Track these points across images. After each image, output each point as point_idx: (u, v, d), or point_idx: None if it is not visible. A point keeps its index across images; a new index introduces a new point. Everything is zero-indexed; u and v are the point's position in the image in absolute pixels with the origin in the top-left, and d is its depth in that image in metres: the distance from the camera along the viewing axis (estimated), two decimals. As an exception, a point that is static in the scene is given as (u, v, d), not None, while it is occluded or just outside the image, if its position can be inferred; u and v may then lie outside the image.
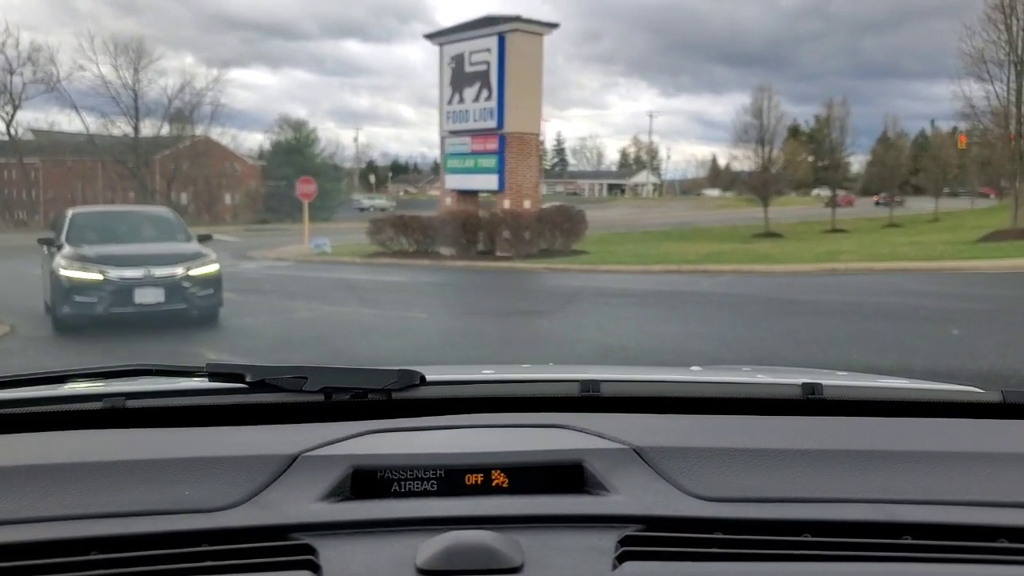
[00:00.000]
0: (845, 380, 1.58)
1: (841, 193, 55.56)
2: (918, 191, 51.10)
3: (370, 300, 13.62)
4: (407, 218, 24.35)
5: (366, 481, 1.01)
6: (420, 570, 0.83)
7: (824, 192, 48.96)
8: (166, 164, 51.74)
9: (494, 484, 1.02)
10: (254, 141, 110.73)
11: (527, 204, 22.96)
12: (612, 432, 1.11)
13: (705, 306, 12.25)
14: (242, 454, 1.05)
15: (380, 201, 66.12)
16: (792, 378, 1.44)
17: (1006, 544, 0.90)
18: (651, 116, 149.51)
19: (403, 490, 1.01)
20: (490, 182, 23.09)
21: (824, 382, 1.33)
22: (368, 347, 8.47)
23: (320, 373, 1.23)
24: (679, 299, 13.26)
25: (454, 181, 24.27)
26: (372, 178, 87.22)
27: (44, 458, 1.06)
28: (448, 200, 24.52)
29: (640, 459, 1.05)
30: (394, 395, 1.25)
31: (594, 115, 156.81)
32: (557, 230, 22.66)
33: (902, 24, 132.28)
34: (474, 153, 23.43)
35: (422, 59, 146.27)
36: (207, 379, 1.27)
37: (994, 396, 1.30)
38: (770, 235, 30.91)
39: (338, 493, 0.98)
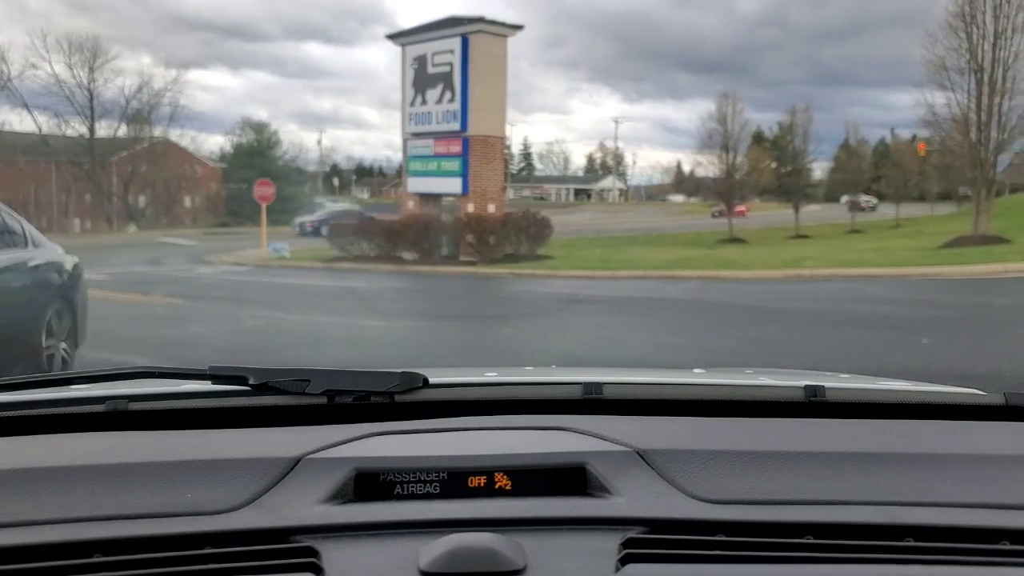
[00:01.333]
0: (847, 382, 1.56)
1: (721, 205, 56.47)
2: (880, 197, 51.88)
3: (326, 307, 13.10)
4: (368, 222, 23.83)
5: (369, 483, 1.01)
6: (423, 572, 0.83)
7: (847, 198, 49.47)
8: (123, 166, 50.53)
9: (497, 486, 1.01)
10: (215, 143, 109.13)
11: (491, 208, 22.57)
12: (614, 434, 1.11)
13: (672, 313, 11.94)
14: (245, 456, 1.05)
15: (344, 205, 65.37)
16: (794, 380, 1.43)
17: (1008, 546, 0.90)
18: (616, 122, 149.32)
19: (406, 492, 1.01)
20: (453, 185, 22.66)
21: (826, 384, 1.32)
22: (317, 359, 7.99)
23: (323, 375, 1.22)
24: (646, 306, 12.94)
25: (417, 184, 23.80)
26: (336, 181, 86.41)
27: (47, 461, 1.06)
28: (411, 204, 24.03)
29: (643, 461, 1.05)
30: (397, 398, 1.24)
31: (559, 120, 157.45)
32: (522, 235, 22.29)
33: (860, 33, 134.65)
34: (437, 156, 22.99)
35: (385, 62, 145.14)
36: (210, 382, 1.25)
37: (996, 398, 1.29)
38: (735, 241, 30.96)
39: (341, 496, 0.98)
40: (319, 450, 1.06)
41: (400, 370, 1.25)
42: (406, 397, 1.25)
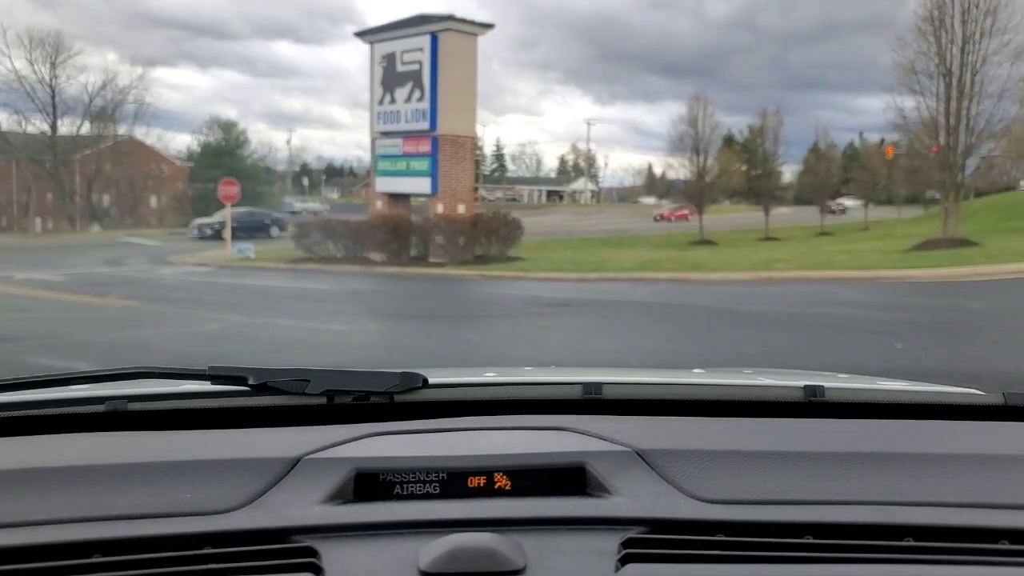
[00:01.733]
0: (846, 383, 1.55)
1: (672, 206, 56.72)
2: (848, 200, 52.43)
3: (287, 310, 12.70)
4: (334, 222, 23.42)
5: (368, 484, 1.01)
6: (423, 572, 0.83)
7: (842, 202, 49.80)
8: (86, 164, 49.43)
9: (496, 486, 1.01)
10: (183, 142, 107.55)
11: (461, 209, 22.24)
12: (614, 434, 1.11)
13: (642, 317, 11.69)
14: (244, 457, 1.04)
15: (313, 205, 64.83)
16: (794, 380, 1.43)
17: (1007, 546, 0.90)
18: (589, 124, 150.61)
19: (405, 493, 1.01)
20: (422, 185, 22.30)
21: (826, 384, 1.32)
22: (272, 366, 7.60)
23: (322, 376, 1.22)
24: (616, 309, 12.71)
25: (385, 184, 23.41)
26: (305, 181, 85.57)
27: (46, 461, 1.05)
28: (379, 204, 23.64)
29: (642, 461, 1.05)
30: (396, 398, 1.24)
31: (531, 121, 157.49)
32: (493, 236, 21.99)
33: (827, 38, 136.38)
34: (406, 155, 22.62)
35: (356, 61, 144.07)
36: (209, 382, 1.24)
37: (995, 398, 1.29)
38: (705, 243, 31.05)
39: (340, 496, 0.98)
40: (319, 450, 1.06)
41: (400, 370, 1.24)
42: (406, 397, 1.24)
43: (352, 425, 1.15)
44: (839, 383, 1.49)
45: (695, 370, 1.80)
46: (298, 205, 62.22)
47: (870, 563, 0.87)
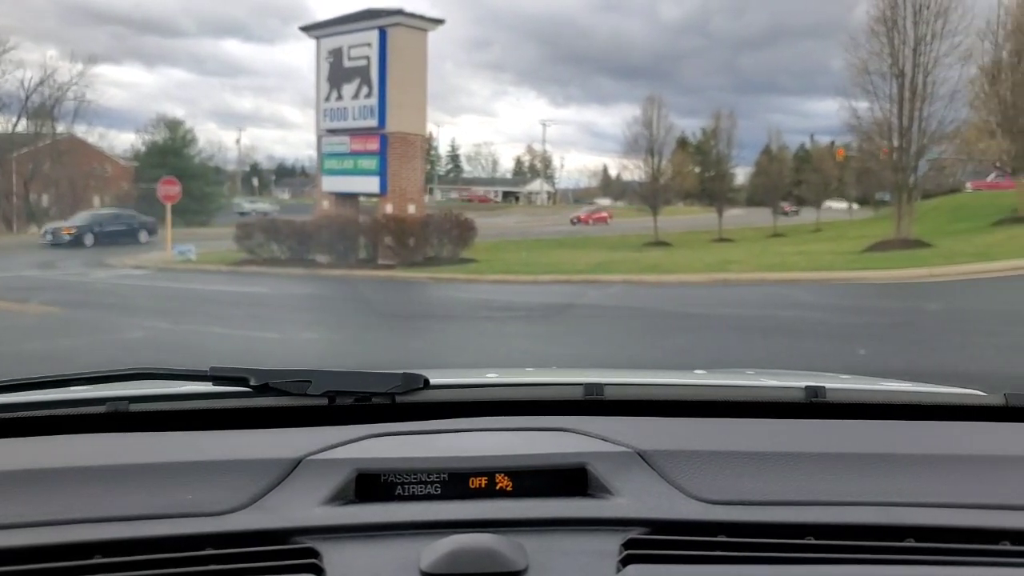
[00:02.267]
0: (848, 383, 1.55)
1: (589, 208, 56.24)
2: (800, 202, 53.00)
3: (221, 316, 11.98)
4: (279, 222, 22.60)
5: (370, 485, 1.01)
6: (424, 573, 0.83)
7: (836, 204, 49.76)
8: (23, 163, 47.54)
9: (498, 487, 1.02)
10: (128, 141, 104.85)
11: (412, 209, 21.62)
12: (616, 435, 1.11)
13: (594, 322, 11.19)
14: (246, 458, 1.05)
15: (263, 205, 63.59)
16: (795, 381, 1.42)
17: (1009, 547, 0.90)
18: (544, 125, 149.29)
19: (407, 494, 1.01)
20: (371, 185, 21.61)
21: (827, 385, 1.31)
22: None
23: (324, 377, 1.22)
24: (567, 314, 12.21)
25: (332, 183, 22.67)
26: (255, 181, 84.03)
27: (48, 462, 1.06)
28: (325, 204, 22.89)
29: (644, 462, 1.05)
30: (398, 399, 1.24)
31: (486, 122, 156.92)
32: (444, 237, 21.38)
33: (777, 43, 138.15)
34: (353, 154, 21.91)
35: (307, 60, 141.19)
36: (211, 383, 1.24)
37: (997, 399, 1.29)
38: (660, 244, 30.97)
39: (342, 497, 0.98)
40: (320, 451, 1.06)
41: (401, 371, 1.23)
42: (407, 398, 1.24)
43: (353, 426, 1.15)
44: (841, 384, 1.47)
45: (696, 371, 1.79)
46: (247, 206, 60.88)
47: (872, 564, 0.87)
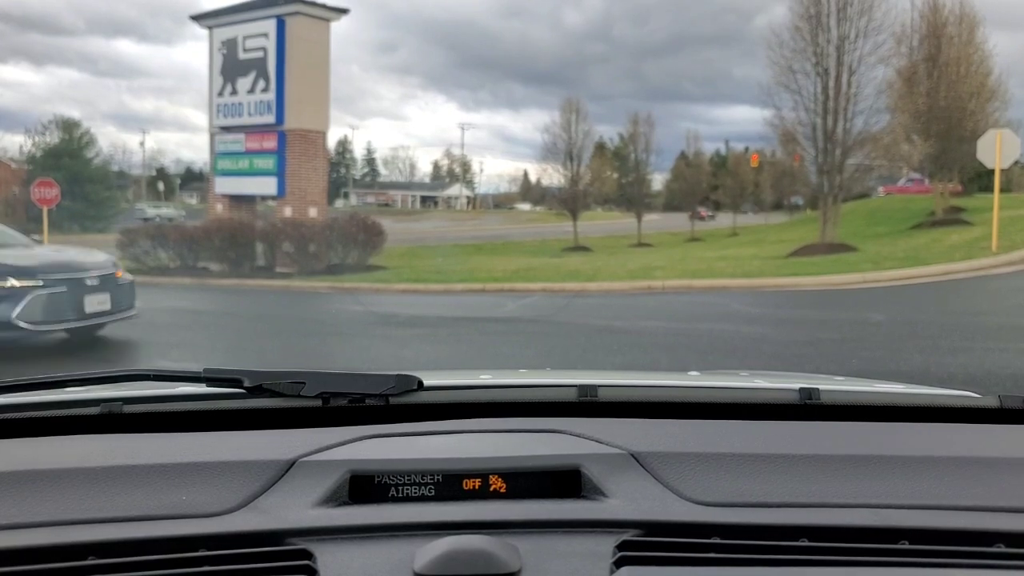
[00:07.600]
0: (842, 385, 1.53)
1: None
2: (717, 206, 53.30)
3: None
4: (166, 228, 20.60)
5: (363, 486, 1.01)
6: (418, 575, 0.83)
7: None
8: None
9: (492, 489, 1.02)
10: (18, 143, 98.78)
11: (313, 212, 19.96)
12: (609, 437, 1.10)
13: (508, 339, 9.83)
14: (239, 459, 1.04)
15: (168, 210, 60.28)
16: (789, 383, 1.42)
17: (1003, 549, 0.91)
18: (463, 128, 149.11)
19: (401, 495, 1.01)
20: (268, 186, 19.86)
21: (821, 387, 1.29)
22: None
23: (318, 378, 1.21)
24: (478, 329, 10.85)
25: (225, 185, 20.80)
26: (162, 186, 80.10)
27: (41, 463, 1.05)
28: (219, 207, 20.99)
29: (637, 464, 1.05)
30: (392, 400, 1.23)
31: (396, 126, 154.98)
32: (350, 243, 19.72)
33: (681, 51, 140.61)
34: (249, 152, 20.11)
35: (206, 60, 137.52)
36: (204, 384, 1.24)
37: (991, 401, 1.29)
38: (579, 248, 30.39)
39: (335, 498, 0.98)
40: (314, 452, 1.05)
41: (395, 373, 1.22)
42: (401, 399, 1.23)
43: (347, 427, 1.14)
44: (835, 385, 1.44)
45: (691, 373, 1.77)
46: (150, 211, 57.57)
47: (866, 566, 0.87)
